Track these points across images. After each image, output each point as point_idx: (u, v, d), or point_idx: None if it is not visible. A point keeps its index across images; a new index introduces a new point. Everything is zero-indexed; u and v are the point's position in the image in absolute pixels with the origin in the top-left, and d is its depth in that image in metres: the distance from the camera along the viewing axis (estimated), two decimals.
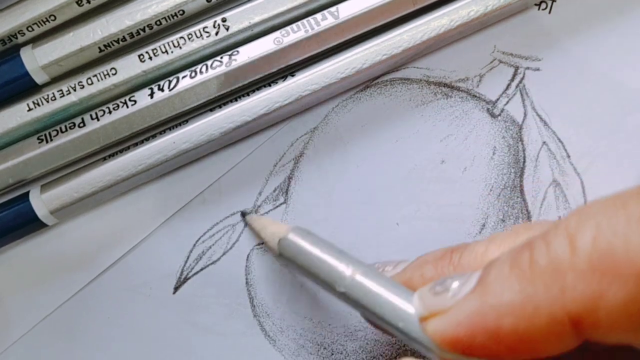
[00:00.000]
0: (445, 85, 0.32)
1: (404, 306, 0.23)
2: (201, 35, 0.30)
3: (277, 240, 0.28)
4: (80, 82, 0.31)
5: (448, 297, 0.21)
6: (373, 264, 0.28)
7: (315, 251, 0.26)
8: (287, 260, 0.27)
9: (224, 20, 0.30)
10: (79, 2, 0.30)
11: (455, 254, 0.24)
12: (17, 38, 0.31)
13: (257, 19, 0.30)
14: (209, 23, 0.30)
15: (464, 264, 0.24)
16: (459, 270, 0.24)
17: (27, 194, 0.31)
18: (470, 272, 0.21)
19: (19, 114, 0.31)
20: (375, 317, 0.24)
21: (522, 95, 0.32)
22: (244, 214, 0.32)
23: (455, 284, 0.21)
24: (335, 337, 0.32)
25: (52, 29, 0.31)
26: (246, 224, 0.32)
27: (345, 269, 0.25)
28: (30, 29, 0.31)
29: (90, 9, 0.31)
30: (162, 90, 0.30)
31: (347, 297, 0.25)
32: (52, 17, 0.31)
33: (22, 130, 0.31)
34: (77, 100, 0.31)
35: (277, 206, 0.32)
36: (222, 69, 0.30)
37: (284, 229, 0.28)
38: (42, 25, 0.31)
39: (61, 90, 0.31)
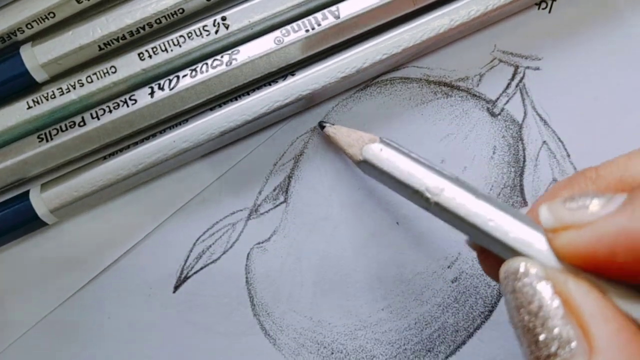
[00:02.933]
0: (445, 84, 0.32)
1: (489, 229, 0.22)
2: (201, 33, 0.30)
3: (359, 149, 0.27)
4: (80, 80, 0.31)
5: (587, 213, 0.20)
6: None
7: (401, 162, 0.25)
8: (369, 169, 0.26)
9: (223, 18, 0.30)
10: None
11: (590, 172, 0.23)
12: (16, 35, 0.31)
13: (256, 17, 0.30)
14: (208, 22, 0.30)
15: (604, 175, 0.23)
16: (599, 183, 0.23)
17: (27, 193, 0.31)
18: (611, 193, 0.21)
19: (18, 112, 0.31)
20: (468, 230, 0.23)
21: (522, 94, 0.32)
22: (322, 125, 0.31)
23: (595, 201, 0.21)
24: (335, 337, 0.32)
25: (51, 26, 0.31)
26: (324, 135, 0.31)
27: (424, 191, 0.24)
28: (29, 26, 0.31)
29: (89, 6, 0.31)
30: (163, 89, 0.30)
31: (435, 210, 0.24)
32: (52, 14, 0.31)
33: (21, 129, 0.31)
34: (77, 98, 0.31)
35: (277, 205, 0.32)
36: (222, 68, 0.30)
37: (367, 137, 0.27)
38: (41, 22, 0.31)
39: (61, 88, 0.31)
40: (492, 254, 0.23)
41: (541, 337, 0.20)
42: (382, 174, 0.26)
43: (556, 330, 0.19)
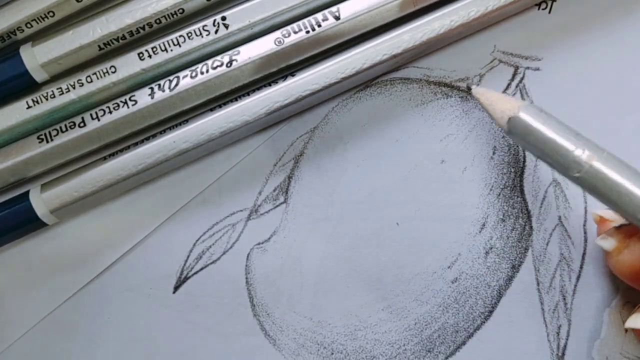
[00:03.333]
0: (445, 84, 0.32)
1: None
2: (201, 33, 0.30)
3: (506, 118, 0.26)
4: (80, 80, 0.31)
5: None
6: None
7: (548, 132, 0.25)
8: (521, 127, 0.26)
9: (223, 18, 0.30)
10: None
11: None
12: (15, 35, 0.31)
13: (256, 17, 0.30)
14: (208, 21, 0.30)
15: None
16: None
17: (27, 193, 0.31)
18: None
19: (18, 112, 0.31)
20: (612, 205, 0.23)
21: (522, 95, 0.32)
22: (469, 87, 0.31)
23: None
24: (335, 337, 0.32)
25: (51, 26, 0.31)
26: (473, 96, 0.30)
27: (581, 153, 0.24)
28: (29, 25, 0.31)
29: (89, 5, 0.31)
30: (163, 90, 0.30)
31: (582, 182, 0.24)
32: (51, 14, 0.31)
33: (21, 128, 0.31)
34: (77, 98, 0.31)
35: (277, 205, 0.32)
36: (222, 69, 0.30)
37: (515, 105, 0.26)
38: (41, 21, 0.31)
39: (60, 88, 0.31)
40: (632, 248, 0.24)
41: None
42: (535, 133, 0.25)
43: None
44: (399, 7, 0.30)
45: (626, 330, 0.29)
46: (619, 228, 0.25)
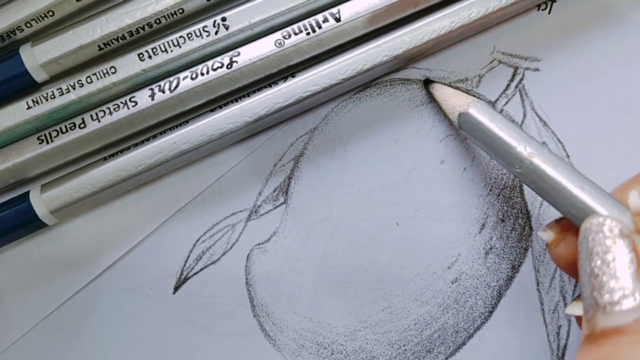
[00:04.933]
0: (444, 85, 0.32)
1: (579, 194, 0.23)
2: (201, 34, 0.30)
3: (457, 113, 0.28)
4: (80, 80, 0.31)
5: None
6: None
7: (494, 128, 0.26)
8: (470, 123, 0.28)
9: (223, 19, 0.30)
10: None
11: None
12: (15, 34, 0.31)
13: (257, 18, 0.30)
14: (208, 22, 0.30)
15: None
16: None
17: (27, 194, 0.31)
18: None
19: (18, 112, 0.31)
20: (549, 200, 0.24)
21: (521, 95, 0.32)
22: (427, 82, 0.32)
23: None
24: (335, 337, 0.32)
25: (51, 25, 0.31)
26: (427, 91, 0.32)
27: (522, 150, 0.25)
28: (28, 25, 0.31)
29: (88, 4, 0.31)
30: (163, 91, 0.30)
31: (522, 177, 0.25)
32: (51, 13, 0.31)
33: (21, 129, 0.31)
34: (77, 98, 0.31)
35: (277, 206, 0.32)
36: (223, 71, 0.30)
37: (465, 102, 0.28)
38: (40, 21, 0.31)
39: (60, 88, 0.31)
40: (567, 241, 0.25)
41: (609, 285, 0.21)
42: (482, 128, 0.27)
43: (624, 281, 0.20)
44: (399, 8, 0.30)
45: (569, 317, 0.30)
46: (558, 221, 0.26)
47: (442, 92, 0.31)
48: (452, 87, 0.31)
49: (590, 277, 0.21)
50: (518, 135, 0.26)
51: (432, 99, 0.32)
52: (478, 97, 0.31)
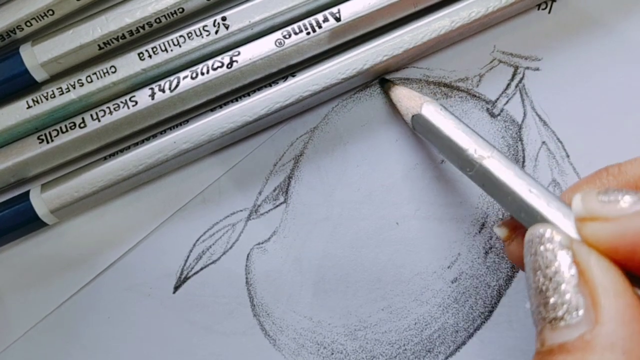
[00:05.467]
0: (444, 85, 0.32)
1: (526, 198, 0.23)
2: (201, 33, 0.30)
3: (410, 115, 0.28)
4: (80, 79, 0.31)
5: (617, 207, 0.21)
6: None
7: (446, 130, 0.27)
8: (422, 124, 0.28)
9: (223, 19, 0.30)
10: None
11: (613, 168, 0.24)
12: (15, 33, 0.31)
13: (257, 18, 0.30)
14: (208, 22, 0.30)
15: (626, 171, 0.24)
16: (620, 179, 0.24)
17: (27, 193, 0.31)
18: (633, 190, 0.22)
19: (18, 112, 0.31)
20: (498, 202, 0.25)
21: (521, 95, 0.32)
22: (383, 81, 0.32)
23: (627, 198, 0.21)
24: (335, 337, 0.32)
25: (51, 24, 0.31)
26: (384, 92, 0.32)
27: (473, 152, 0.25)
28: (28, 24, 0.31)
29: (88, 3, 0.31)
30: (163, 90, 0.30)
31: (474, 179, 0.25)
32: (50, 12, 0.31)
33: (21, 128, 0.31)
34: (77, 98, 0.31)
35: (277, 205, 0.32)
36: (223, 70, 0.30)
37: (418, 103, 0.28)
38: (40, 20, 0.31)
39: (60, 88, 0.31)
40: (518, 240, 0.25)
41: (552, 300, 0.20)
42: (434, 131, 0.27)
43: (567, 296, 0.20)
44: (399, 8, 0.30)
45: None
46: (511, 219, 0.27)
47: (396, 93, 0.30)
48: (406, 87, 0.31)
49: (535, 292, 0.21)
50: (469, 137, 0.26)
51: (388, 100, 0.32)
52: (478, 98, 0.31)
